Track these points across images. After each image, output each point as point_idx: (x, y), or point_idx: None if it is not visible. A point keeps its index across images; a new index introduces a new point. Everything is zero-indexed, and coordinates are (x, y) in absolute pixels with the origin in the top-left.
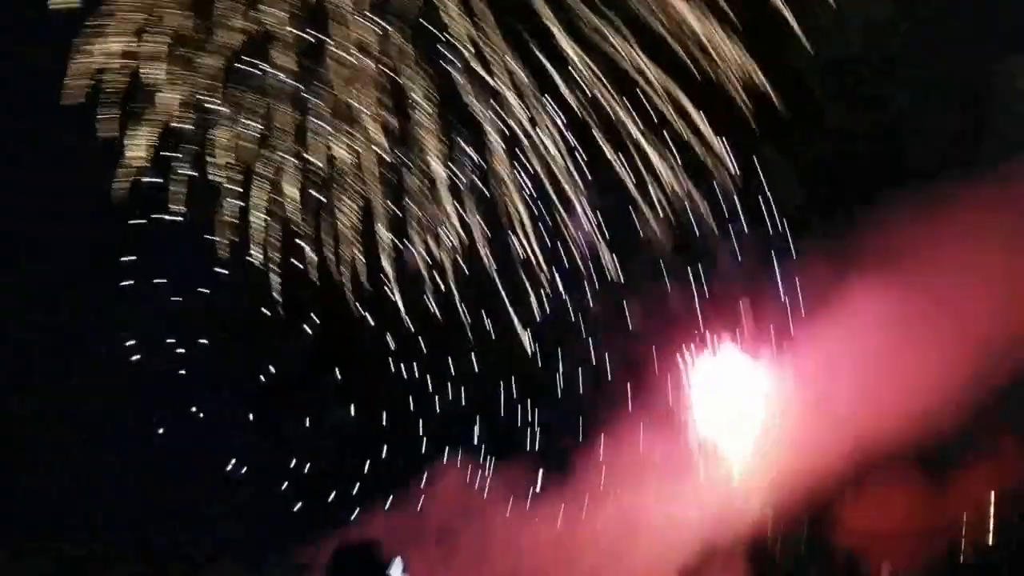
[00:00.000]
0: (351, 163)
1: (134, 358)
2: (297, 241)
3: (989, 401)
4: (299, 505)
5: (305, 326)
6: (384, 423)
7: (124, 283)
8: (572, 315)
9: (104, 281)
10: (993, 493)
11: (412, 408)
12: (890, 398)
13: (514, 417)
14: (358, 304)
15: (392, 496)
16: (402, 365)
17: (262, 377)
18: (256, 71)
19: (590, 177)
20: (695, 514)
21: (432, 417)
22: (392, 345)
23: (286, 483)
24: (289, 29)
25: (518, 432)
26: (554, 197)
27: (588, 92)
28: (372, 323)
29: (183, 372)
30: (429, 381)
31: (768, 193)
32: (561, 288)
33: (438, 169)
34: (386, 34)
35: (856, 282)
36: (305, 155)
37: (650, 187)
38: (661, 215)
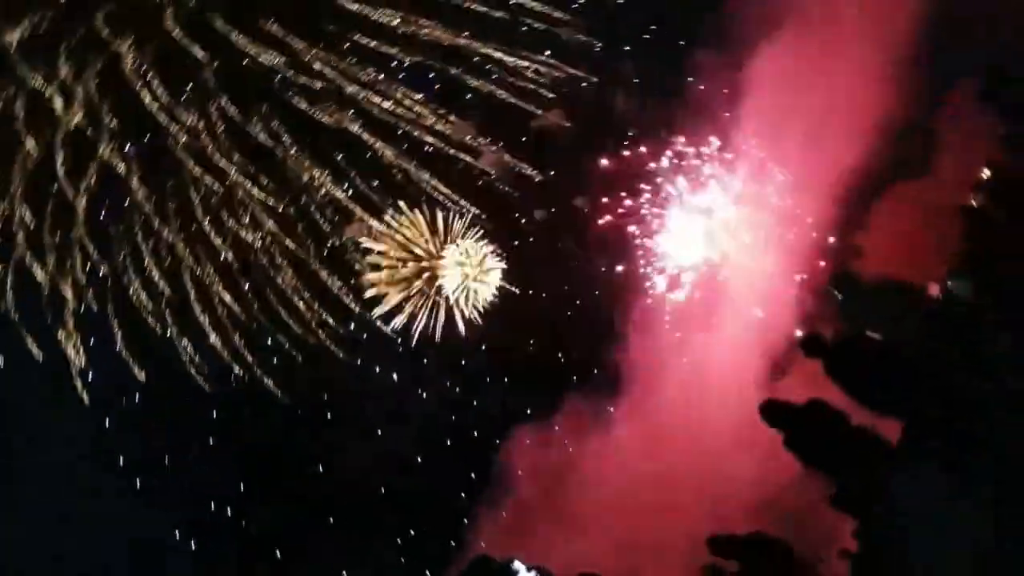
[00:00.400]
0: (260, 236)
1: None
2: (261, 332)
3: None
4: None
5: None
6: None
7: None
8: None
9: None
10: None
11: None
12: (838, 123)
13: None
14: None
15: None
16: (422, 393)
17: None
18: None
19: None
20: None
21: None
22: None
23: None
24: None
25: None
26: (449, 148)
27: (420, 39)
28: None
29: None
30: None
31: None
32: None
33: (333, 190)
34: (212, 104)
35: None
36: (217, 255)
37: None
38: (545, 102)
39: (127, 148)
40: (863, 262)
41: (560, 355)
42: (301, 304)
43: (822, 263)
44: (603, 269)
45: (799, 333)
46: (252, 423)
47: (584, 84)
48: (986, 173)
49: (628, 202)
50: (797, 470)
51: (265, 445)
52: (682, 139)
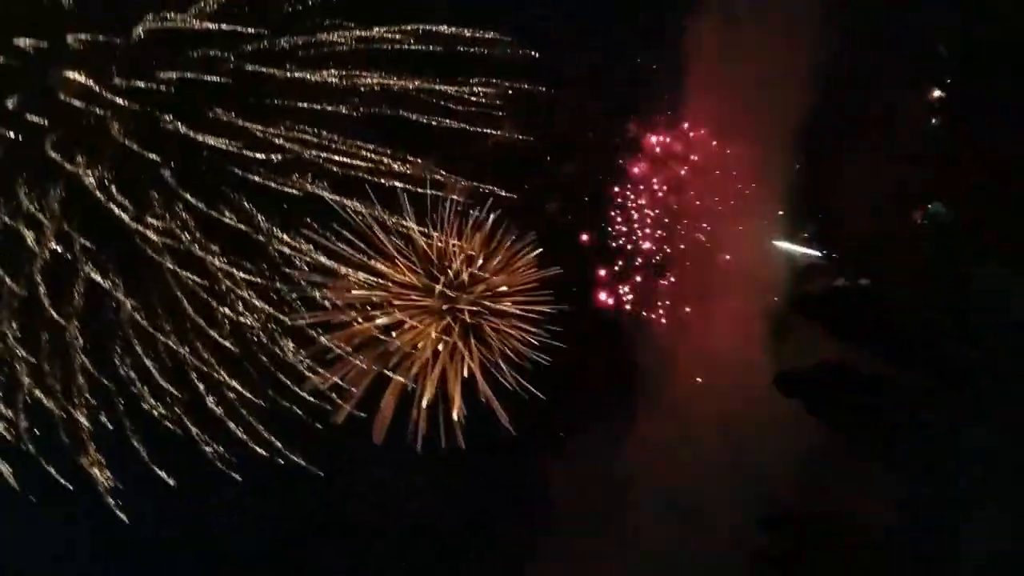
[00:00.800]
0: (254, 318)
1: None
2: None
3: None
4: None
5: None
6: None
7: None
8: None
9: None
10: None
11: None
12: (782, 78)
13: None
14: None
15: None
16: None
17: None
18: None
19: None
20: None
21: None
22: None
23: None
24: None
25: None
26: (415, 188)
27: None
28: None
29: None
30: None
31: None
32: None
33: (318, 257)
34: (177, 201)
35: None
36: (217, 346)
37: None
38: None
39: (105, 262)
40: (843, 210)
41: (576, 365)
42: (309, 373)
43: (802, 219)
44: (591, 270)
45: (793, 294)
46: (284, 499)
47: (531, 94)
48: (937, 93)
49: (599, 198)
50: (827, 430)
51: (306, 518)
52: (636, 126)
